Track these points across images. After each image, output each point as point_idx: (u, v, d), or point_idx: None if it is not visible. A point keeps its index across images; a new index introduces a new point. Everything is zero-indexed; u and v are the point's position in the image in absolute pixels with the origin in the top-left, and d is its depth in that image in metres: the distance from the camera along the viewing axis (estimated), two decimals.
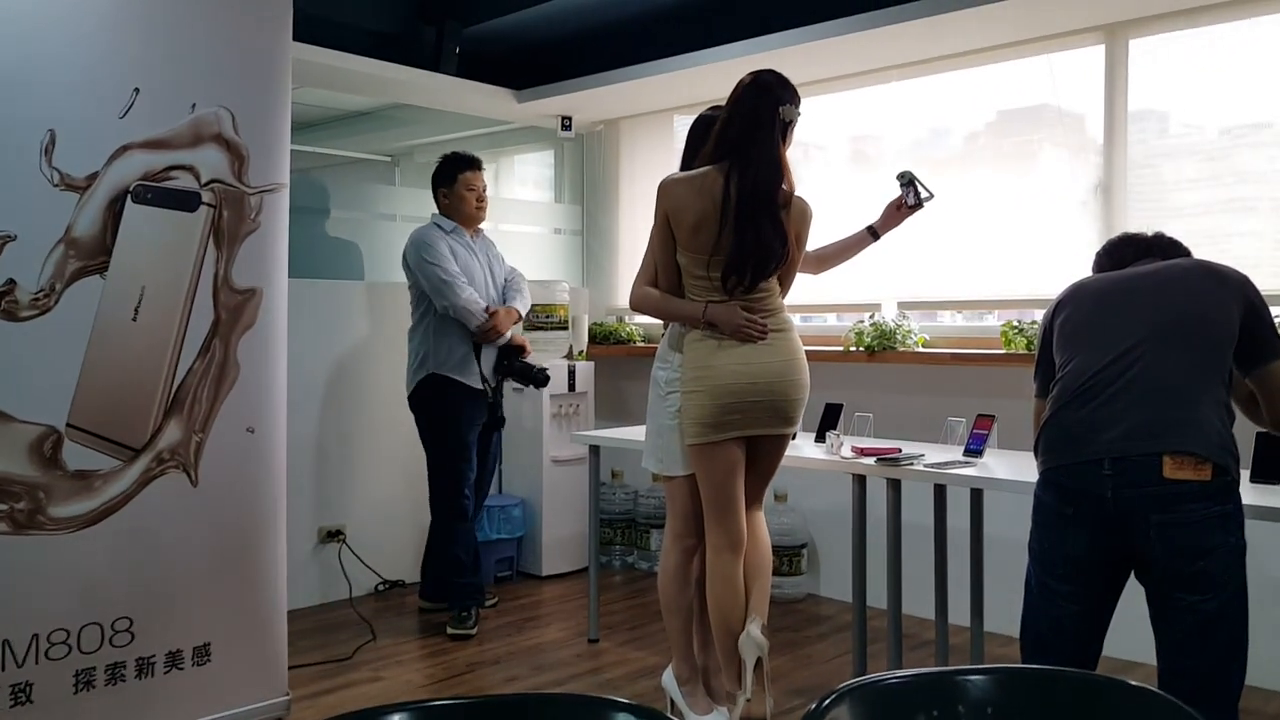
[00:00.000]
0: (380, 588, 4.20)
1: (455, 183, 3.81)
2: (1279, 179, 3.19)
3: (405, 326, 3.92)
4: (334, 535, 4.09)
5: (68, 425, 2.33)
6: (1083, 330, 1.99)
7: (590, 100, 4.53)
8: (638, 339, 4.78)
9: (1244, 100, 3.23)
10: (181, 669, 2.54)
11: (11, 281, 2.24)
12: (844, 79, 4.11)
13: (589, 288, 5.11)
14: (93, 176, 2.35)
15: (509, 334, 3.78)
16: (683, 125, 4.73)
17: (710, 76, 4.06)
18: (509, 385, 3.99)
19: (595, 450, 3.55)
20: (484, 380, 3.72)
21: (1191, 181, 3.34)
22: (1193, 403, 1.84)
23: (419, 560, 4.35)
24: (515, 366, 3.77)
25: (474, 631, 3.68)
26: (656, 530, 4.39)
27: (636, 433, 3.47)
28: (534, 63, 4.59)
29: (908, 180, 2.91)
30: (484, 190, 3.86)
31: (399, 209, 4.62)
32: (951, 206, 3.59)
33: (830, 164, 4.32)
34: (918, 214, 2.97)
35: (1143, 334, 1.91)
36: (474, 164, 3.84)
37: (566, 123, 4.81)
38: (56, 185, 2.31)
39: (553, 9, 4.12)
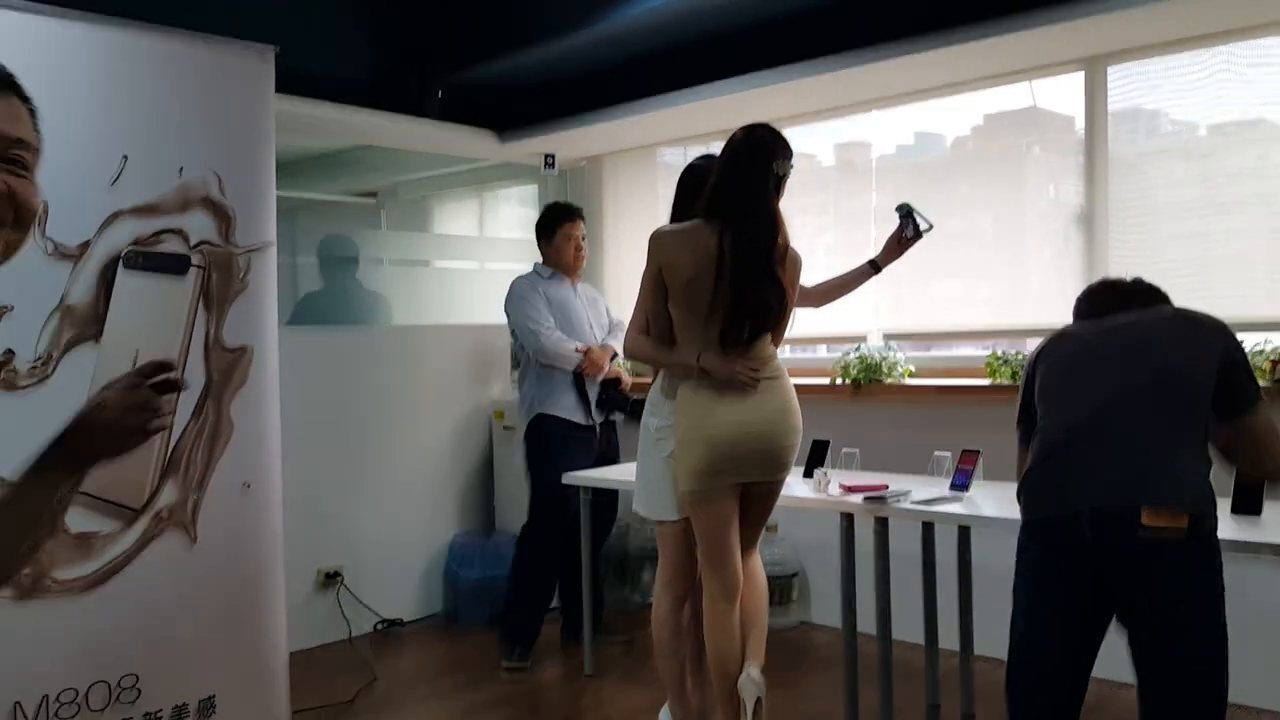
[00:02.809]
0: (379, 626, 4.22)
1: (555, 234, 3.95)
2: (1269, 177, 3.22)
3: (401, 368, 4.01)
4: (332, 577, 4.11)
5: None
6: (1062, 381, 2.04)
7: (573, 139, 4.58)
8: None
9: (1231, 100, 3.26)
10: None
11: (10, 352, 2.28)
12: (825, 112, 4.17)
13: None
14: (85, 245, 2.39)
15: (606, 369, 3.88)
16: (667, 159, 4.81)
17: (694, 113, 4.12)
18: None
19: (586, 489, 3.58)
20: (591, 416, 3.85)
21: (1180, 182, 3.38)
22: (1170, 454, 1.88)
23: (417, 599, 4.39)
24: (610, 398, 3.88)
25: (528, 665, 3.75)
26: (649, 564, 4.42)
27: (624, 471, 3.51)
28: (516, 103, 4.65)
29: (906, 212, 2.93)
30: (582, 239, 4.00)
31: (386, 252, 4.67)
32: (935, 219, 3.62)
33: (817, 175, 4.35)
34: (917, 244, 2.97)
35: (1121, 386, 1.95)
36: (572, 215, 3.99)
37: (550, 160, 4.87)
38: (50, 255, 2.35)
39: (534, 51, 4.18)
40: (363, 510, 4.23)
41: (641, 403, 3.82)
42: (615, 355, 3.95)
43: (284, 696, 2.80)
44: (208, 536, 2.60)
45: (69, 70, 2.37)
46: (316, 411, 4.09)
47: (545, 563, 3.83)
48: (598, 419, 3.88)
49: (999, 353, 3.54)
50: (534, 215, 5.34)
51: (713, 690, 2.66)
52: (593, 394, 3.86)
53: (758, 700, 2.48)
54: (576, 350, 3.81)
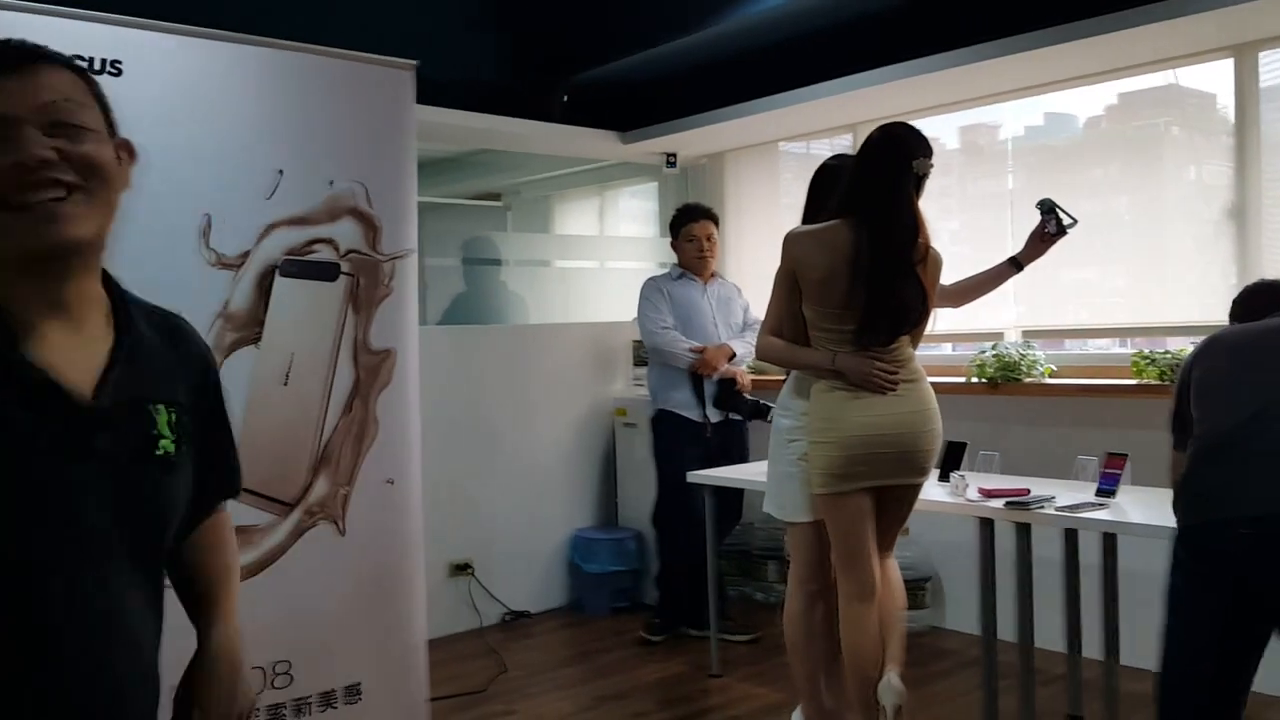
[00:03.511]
0: (506, 618, 4.33)
1: (679, 234, 4.10)
2: None
3: (525, 366, 4.24)
4: (462, 569, 4.24)
5: None
6: (1218, 386, 1.97)
7: (694, 137, 4.60)
8: None
9: None
10: (335, 708, 2.69)
11: None
12: (953, 104, 4.07)
13: None
14: (244, 255, 2.53)
15: (723, 369, 3.94)
16: (789, 155, 4.77)
17: (817, 109, 4.08)
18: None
19: (711, 488, 3.59)
20: (705, 414, 3.96)
21: None
22: None
23: (542, 590, 4.48)
24: (726, 397, 3.95)
25: (658, 640, 3.96)
26: (773, 561, 4.40)
27: (749, 470, 3.51)
28: (638, 103, 4.68)
29: (1048, 208, 2.85)
30: (706, 239, 4.07)
31: (511, 253, 4.79)
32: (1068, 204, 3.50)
33: (940, 158, 4.24)
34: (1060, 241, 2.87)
35: (1278, 391, 1.87)
36: (695, 215, 4.10)
37: (671, 160, 4.90)
38: (213, 264, 2.49)
39: (656, 51, 4.20)
40: (491, 504, 4.35)
41: (758, 403, 3.89)
42: (733, 355, 3.97)
43: (423, 684, 2.90)
44: (355, 529, 2.71)
45: (228, 91, 2.52)
46: (448, 408, 4.22)
47: (677, 549, 3.94)
48: (712, 417, 3.94)
49: (1146, 351, 3.38)
50: (654, 213, 5.41)
51: (846, 692, 2.64)
52: (709, 392, 3.92)
53: (898, 708, 2.45)
54: (690, 350, 3.91)
